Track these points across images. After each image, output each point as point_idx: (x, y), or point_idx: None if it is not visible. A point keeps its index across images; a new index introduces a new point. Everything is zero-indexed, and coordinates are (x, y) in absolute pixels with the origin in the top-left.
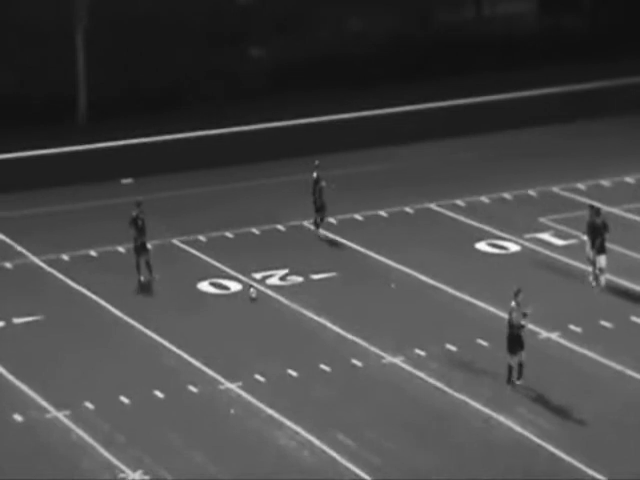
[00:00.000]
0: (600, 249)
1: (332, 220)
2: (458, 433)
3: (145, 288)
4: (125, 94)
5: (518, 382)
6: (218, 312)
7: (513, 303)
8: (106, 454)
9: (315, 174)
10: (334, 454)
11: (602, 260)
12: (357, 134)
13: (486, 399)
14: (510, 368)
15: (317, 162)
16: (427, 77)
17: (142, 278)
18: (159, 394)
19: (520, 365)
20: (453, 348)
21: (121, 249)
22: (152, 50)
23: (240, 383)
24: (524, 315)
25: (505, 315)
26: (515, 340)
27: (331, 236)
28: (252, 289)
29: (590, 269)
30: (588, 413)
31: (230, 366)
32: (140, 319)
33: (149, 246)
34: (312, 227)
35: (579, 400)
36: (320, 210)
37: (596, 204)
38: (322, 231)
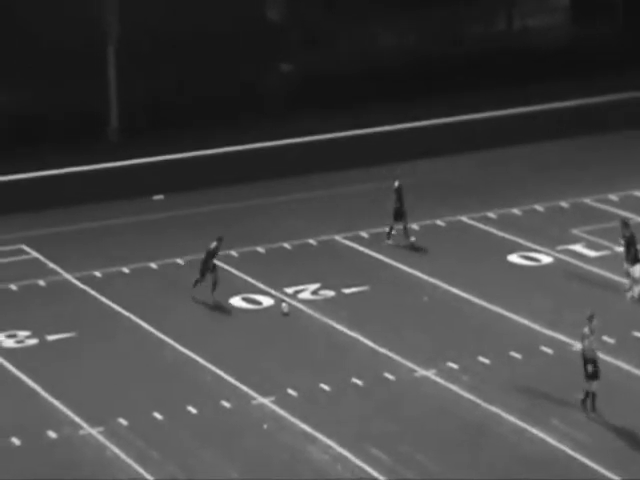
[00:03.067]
0: (634, 260)
1: (364, 234)
2: (492, 446)
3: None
4: (156, 110)
5: (592, 414)
6: (250, 327)
7: (586, 329)
8: (140, 470)
9: (397, 183)
10: (368, 468)
11: (636, 271)
12: (388, 148)
13: (520, 412)
14: (587, 394)
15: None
16: (454, 91)
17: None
18: (192, 409)
19: (592, 395)
20: (486, 361)
21: (154, 265)
22: (181, 65)
23: (273, 398)
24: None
25: (537, 327)
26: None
27: (365, 250)
28: (284, 304)
29: (627, 281)
30: (622, 425)
31: (263, 381)
32: (172, 335)
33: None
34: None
35: (613, 411)
36: (400, 218)
37: (626, 215)
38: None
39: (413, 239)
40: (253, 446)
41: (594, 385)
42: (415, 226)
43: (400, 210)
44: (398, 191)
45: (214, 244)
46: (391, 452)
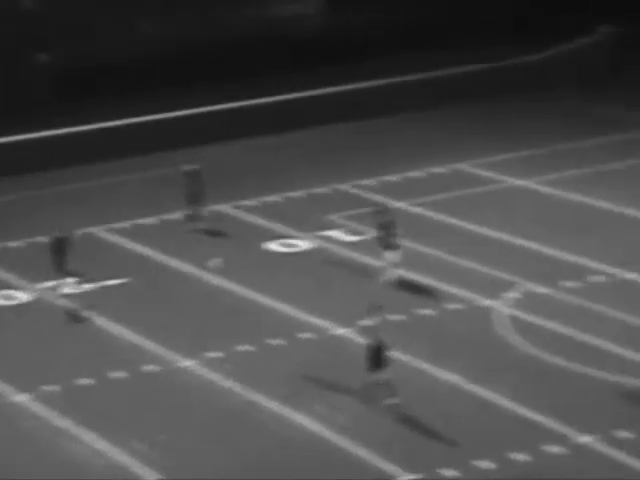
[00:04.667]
0: (388, 245)
1: (125, 225)
2: (252, 433)
3: None
4: None
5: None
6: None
7: (370, 320)
8: None
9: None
10: (128, 459)
11: (391, 256)
12: (151, 138)
13: (282, 398)
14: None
15: None
16: (218, 79)
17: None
18: None
19: (385, 383)
20: (247, 349)
21: None
22: None
23: (30, 395)
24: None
25: (298, 313)
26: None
27: (126, 242)
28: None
29: (383, 266)
30: (386, 411)
31: (20, 378)
32: None
33: None
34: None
35: (376, 395)
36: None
37: (383, 202)
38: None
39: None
40: (9, 443)
41: (384, 373)
42: (170, 217)
43: (196, 194)
44: (192, 175)
45: None
46: (153, 443)
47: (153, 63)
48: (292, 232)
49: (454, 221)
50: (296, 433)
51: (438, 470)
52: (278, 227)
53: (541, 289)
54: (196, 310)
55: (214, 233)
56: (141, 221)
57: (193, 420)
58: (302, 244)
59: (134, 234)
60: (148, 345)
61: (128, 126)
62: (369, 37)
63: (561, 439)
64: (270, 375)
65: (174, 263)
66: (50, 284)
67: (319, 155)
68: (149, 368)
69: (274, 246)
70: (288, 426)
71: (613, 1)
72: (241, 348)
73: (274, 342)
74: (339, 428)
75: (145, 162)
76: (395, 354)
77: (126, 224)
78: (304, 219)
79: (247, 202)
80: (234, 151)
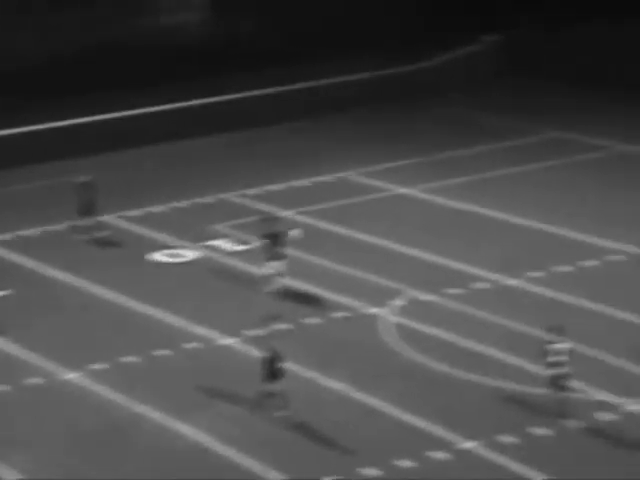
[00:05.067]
0: (275, 255)
1: (8, 237)
2: (139, 444)
3: None
4: None
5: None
6: None
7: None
8: None
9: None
10: (15, 472)
11: (277, 265)
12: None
13: (167, 409)
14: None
15: None
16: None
17: None
18: None
19: (278, 394)
20: (133, 360)
21: None
22: None
23: None
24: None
25: (184, 324)
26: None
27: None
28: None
29: (268, 275)
30: (277, 421)
31: None
32: None
33: None
34: None
35: (268, 405)
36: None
37: (269, 211)
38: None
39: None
40: None
41: (277, 385)
42: (58, 228)
43: (88, 205)
44: (85, 186)
45: None
46: (37, 455)
47: (32, 74)
48: (178, 242)
49: (340, 230)
50: (182, 444)
51: (325, 478)
52: (164, 237)
53: (426, 296)
54: (80, 322)
55: (101, 244)
56: (25, 232)
57: (77, 432)
58: (188, 254)
59: (16, 245)
60: (31, 358)
61: (11, 136)
62: (254, 46)
63: (445, 445)
64: (156, 386)
65: (59, 275)
66: None
67: (205, 165)
68: (32, 381)
69: (160, 256)
70: (174, 437)
71: (497, 10)
72: (126, 359)
73: (160, 353)
74: (226, 439)
75: (31, 173)
76: (285, 364)
77: (7, 236)
78: (190, 229)
79: (134, 212)
80: (123, 161)
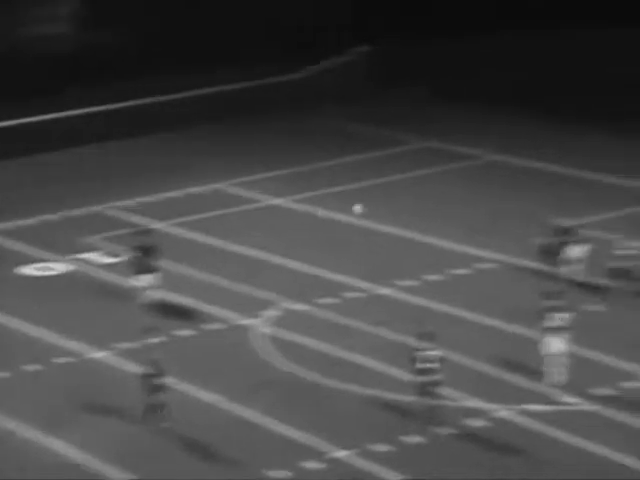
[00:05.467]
0: (148, 268)
1: None
2: (11, 461)
3: None
4: None
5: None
6: None
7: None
8: None
9: None
10: None
11: (149, 278)
12: None
13: (39, 423)
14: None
15: None
16: None
17: None
18: None
19: (160, 406)
20: (4, 375)
21: None
22: None
23: None
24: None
25: (55, 338)
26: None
27: None
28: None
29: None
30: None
31: None
32: None
33: None
34: None
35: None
36: None
37: (141, 223)
38: None
39: None
40: None
41: (159, 397)
42: None
43: None
44: None
45: None
46: None
47: None
48: (47, 255)
49: (213, 241)
50: (53, 460)
51: None
52: (33, 251)
53: (299, 306)
54: None
55: None
56: None
57: None
58: (58, 267)
59: None
60: None
61: None
62: (124, 57)
63: (318, 454)
64: (27, 402)
65: None
66: None
67: (75, 176)
68: None
69: (29, 270)
70: (46, 453)
71: (369, 21)
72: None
73: (30, 368)
74: (99, 453)
75: None
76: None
77: None
78: (60, 242)
79: (3, 226)
80: None
